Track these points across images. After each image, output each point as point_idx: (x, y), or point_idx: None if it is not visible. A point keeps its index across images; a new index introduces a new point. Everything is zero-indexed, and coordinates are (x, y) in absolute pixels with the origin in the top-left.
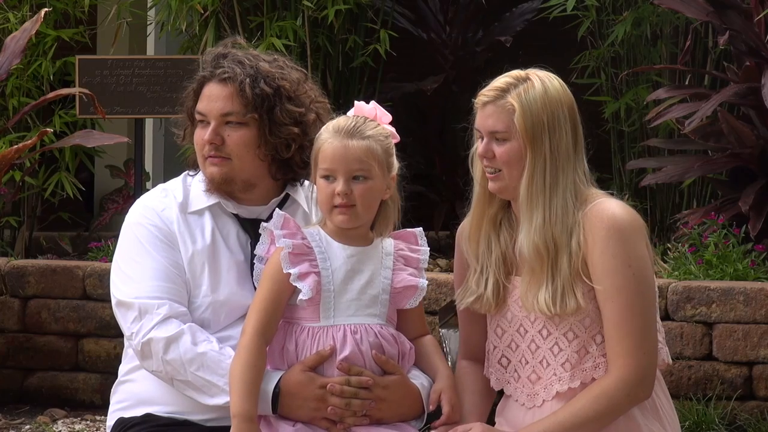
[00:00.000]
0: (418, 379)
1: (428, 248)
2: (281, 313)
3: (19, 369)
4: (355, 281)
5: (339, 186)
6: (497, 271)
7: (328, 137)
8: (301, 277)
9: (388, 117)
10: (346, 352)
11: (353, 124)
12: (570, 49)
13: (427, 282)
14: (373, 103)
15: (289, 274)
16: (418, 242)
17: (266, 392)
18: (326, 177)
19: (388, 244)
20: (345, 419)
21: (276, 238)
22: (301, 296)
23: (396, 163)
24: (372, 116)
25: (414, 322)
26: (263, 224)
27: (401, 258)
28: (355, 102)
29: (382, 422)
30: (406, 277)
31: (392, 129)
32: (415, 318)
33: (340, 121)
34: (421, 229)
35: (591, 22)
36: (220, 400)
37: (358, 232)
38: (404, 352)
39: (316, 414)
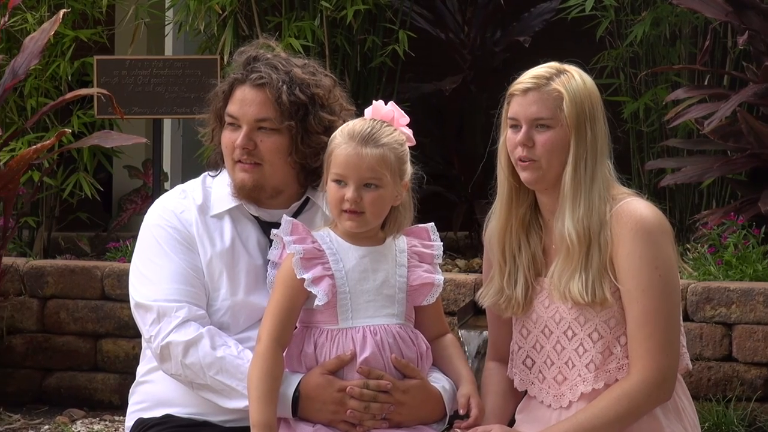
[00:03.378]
0: (439, 382)
1: (441, 243)
2: (296, 319)
3: (38, 369)
4: (370, 281)
5: (349, 192)
6: (527, 271)
7: (342, 142)
8: (315, 281)
9: (406, 119)
10: (366, 354)
11: (369, 130)
12: (589, 49)
13: (443, 278)
14: (391, 104)
15: (303, 279)
16: (430, 237)
17: (286, 396)
18: (338, 181)
19: (401, 241)
20: (364, 422)
21: (286, 245)
22: (317, 302)
23: (409, 170)
24: (389, 118)
25: (432, 320)
26: (273, 231)
27: (415, 255)
28: (374, 102)
29: (402, 426)
30: (422, 274)
31: (409, 132)
32: (433, 316)
33: (356, 125)
34: (432, 224)
35: (610, 22)
36: (240, 403)
37: (368, 233)
38: (422, 354)
39: (335, 417)
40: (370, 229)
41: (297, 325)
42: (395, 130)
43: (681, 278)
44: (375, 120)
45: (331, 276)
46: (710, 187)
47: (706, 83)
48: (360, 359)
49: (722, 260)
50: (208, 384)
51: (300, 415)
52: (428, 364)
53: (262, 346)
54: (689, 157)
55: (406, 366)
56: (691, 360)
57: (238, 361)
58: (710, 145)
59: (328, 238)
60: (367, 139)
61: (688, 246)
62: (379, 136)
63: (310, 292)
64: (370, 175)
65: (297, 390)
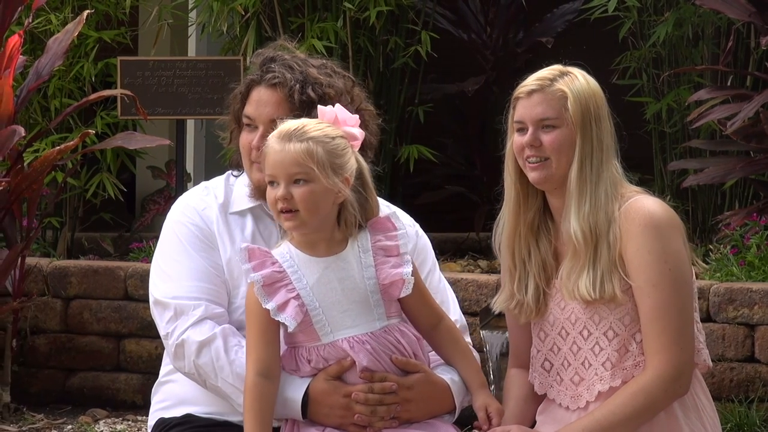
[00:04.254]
0: (447, 374)
1: (405, 229)
2: (278, 343)
3: (61, 369)
4: (338, 292)
5: (279, 191)
6: (538, 277)
7: (271, 142)
8: (280, 308)
9: (354, 119)
10: (364, 363)
11: (296, 126)
12: (611, 49)
13: (411, 270)
14: (337, 106)
15: (268, 309)
16: (395, 227)
17: (295, 400)
18: (271, 183)
19: (364, 239)
20: (374, 424)
21: (245, 274)
22: (289, 329)
23: (350, 164)
24: (331, 119)
25: (420, 309)
26: (238, 257)
27: (381, 250)
28: (318, 107)
29: (412, 421)
30: (390, 271)
31: (356, 131)
32: (418, 305)
33: (286, 124)
34: (394, 211)
35: (632, 23)
36: None
37: (321, 237)
38: (414, 351)
39: (344, 420)
40: (320, 234)
41: (284, 344)
42: (329, 126)
43: (702, 278)
44: (310, 120)
45: (297, 297)
46: (733, 188)
47: (729, 84)
48: (359, 369)
49: (745, 261)
50: (218, 386)
51: (310, 418)
52: (424, 353)
53: (249, 381)
54: (712, 157)
55: (407, 362)
56: (714, 361)
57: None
58: (733, 145)
59: (288, 254)
60: (292, 134)
61: (710, 247)
62: (306, 132)
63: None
64: (296, 170)
65: (306, 394)
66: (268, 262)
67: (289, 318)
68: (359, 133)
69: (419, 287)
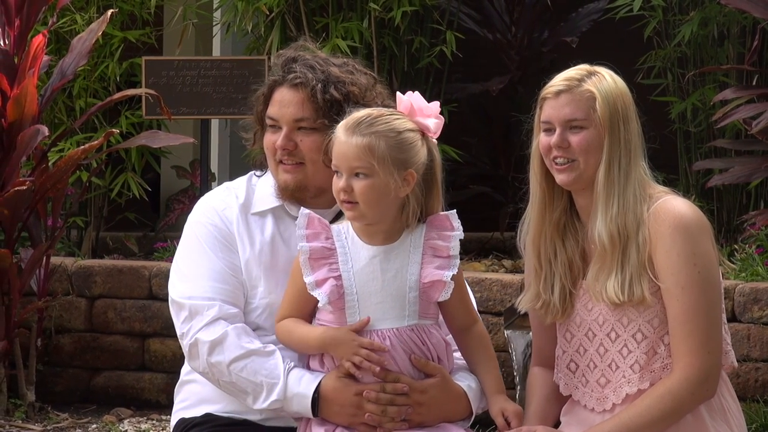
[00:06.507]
0: (465, 380)
1: (461, 231)
2: (308, 309)
3: (86, 368)
4: (379, 282)
5: (341, 182)
6: (564, 277)
7: (338, 132)
8: (318, 284)
9: (431, 109)
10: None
11: (363, 118)
12: (636, 49)
13: (453, 273)
14: (416, 93)
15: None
16: (452, 226)
17: (306, 396)
18: (336, 172)
19: (419, 234)
20: (383, 425)
21: (299, 239)
22: (319, 304)
23: (416, 159)
24: (407, 108)
25: (454, 311)
26: (297, 222)
27: (430, 249)
28: (397, 93)
29: (424, 425)
30: (433, 271)
31: (430, 122)
32: (454, 308)
33: (355, 114)
34: (454, 211)
35: (657, 22)
36: (263, 403)
37: (380, 228)
38: (439, 354)
39: (355, 419)
40: (382, 225)
41: (315, 323)
42: (399, 118)
43: (727, 278)
44: (381, 110)
45: (337, 277)
46: (758, 188)
47: (754, 83)
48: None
49: None
50: (233, 381)
51: (321, 415)
52: (450, 359)
53: (277, 321)
54: (737, 157)
55: (426, 364)
56: (739, 361)
57: (261, 358)
58: (758, 145)
59: (345, 234)
60: (356, 127)
61: (735, 246)
62: (372, 124)
63: None
64: (357, 163)
65: (317, 391)
66: (322, 236)
67: (323, 294)
68: (433, 124)
69: (461, 287)
